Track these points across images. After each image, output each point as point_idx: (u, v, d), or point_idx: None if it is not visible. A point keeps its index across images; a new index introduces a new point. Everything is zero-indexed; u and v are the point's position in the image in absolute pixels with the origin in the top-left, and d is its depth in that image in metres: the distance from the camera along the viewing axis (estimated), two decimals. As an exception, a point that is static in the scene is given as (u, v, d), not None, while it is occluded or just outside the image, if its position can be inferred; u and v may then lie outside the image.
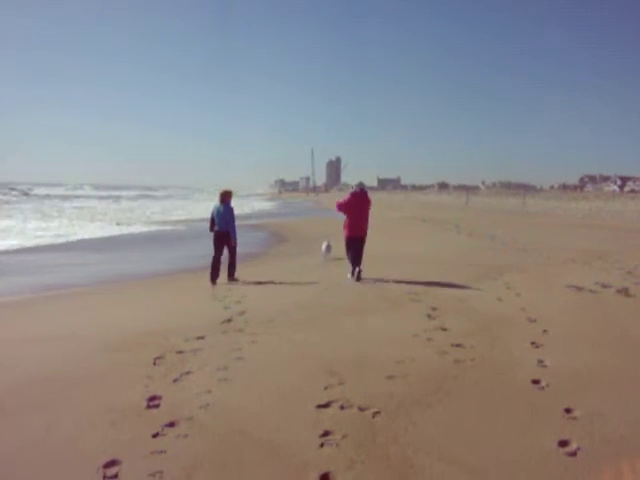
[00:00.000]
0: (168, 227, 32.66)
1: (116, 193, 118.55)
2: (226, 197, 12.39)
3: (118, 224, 34.49)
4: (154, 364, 6.16)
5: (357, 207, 12.06)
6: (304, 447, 4.20)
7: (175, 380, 5.64)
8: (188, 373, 5.83)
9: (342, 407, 4.90)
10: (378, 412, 4.79)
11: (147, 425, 4.60)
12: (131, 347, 6.88)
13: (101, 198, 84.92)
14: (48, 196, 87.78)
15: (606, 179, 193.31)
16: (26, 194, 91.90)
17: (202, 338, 7.16)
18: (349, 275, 12.05)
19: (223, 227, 12.22)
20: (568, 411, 4.82)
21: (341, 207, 12.20)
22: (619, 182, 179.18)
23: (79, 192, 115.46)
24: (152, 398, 5.17)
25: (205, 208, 53.05)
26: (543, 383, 5.50)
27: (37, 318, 8.95)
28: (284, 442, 4.27)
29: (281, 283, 11.90)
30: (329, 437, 4.35)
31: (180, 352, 6.56)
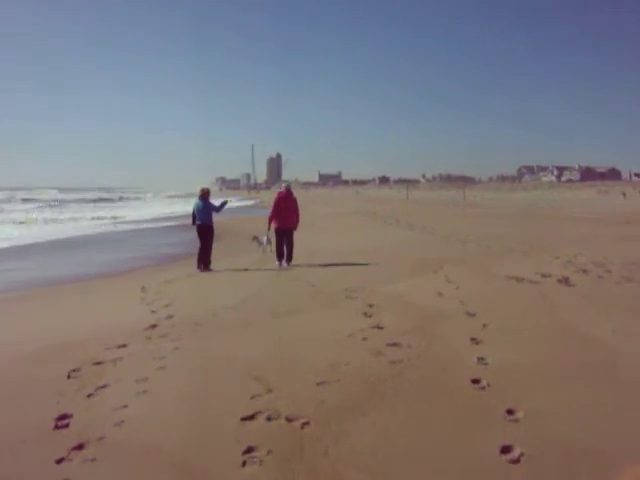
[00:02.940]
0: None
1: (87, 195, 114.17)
2: (205, 194, 13.91)
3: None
4: (68, 378, 5.68)
5: (284, 203, 13.91)
6: (224, 467, 3.81)
7: (89, 395, 5.18)
8: (104, 386, 5.37)
9: (269, 418, 4.51)
10: (307, 422, 4.42)
11: (52, 449, 4.14)
12: (46, 359, 6.36)
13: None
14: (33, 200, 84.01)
15: (543, 169, 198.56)
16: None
17: (124, 346, 6.67)
18: (277, 262, 13.62)
19: (204, 221, 13.71)
20: (510, 412, 4.53)
21: (272, 212, 13.99)
22: (556, 172, 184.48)
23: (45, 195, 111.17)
24: (62, 417, 4.70)
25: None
26: (484, 382, 5.20)
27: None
28: (203, 461, 3.89)
29: (213, 283, 11.56)
30: (253, 454, 3.96)
31: (98, 363, 6.07)
